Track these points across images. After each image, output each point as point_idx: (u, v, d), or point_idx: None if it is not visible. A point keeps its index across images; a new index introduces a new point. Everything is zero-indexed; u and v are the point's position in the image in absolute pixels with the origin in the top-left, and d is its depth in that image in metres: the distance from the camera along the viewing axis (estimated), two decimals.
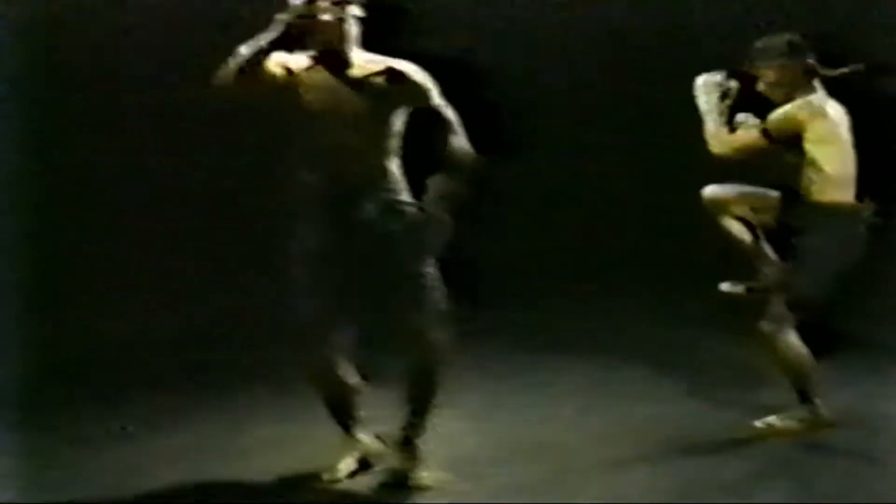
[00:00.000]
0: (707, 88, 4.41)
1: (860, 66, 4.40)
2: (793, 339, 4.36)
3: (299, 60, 3.67)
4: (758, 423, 4.41)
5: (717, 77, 4.44)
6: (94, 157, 6.23)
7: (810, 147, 4.25)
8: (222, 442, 4.48)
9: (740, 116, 4.44)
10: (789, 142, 4.29)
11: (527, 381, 5.21)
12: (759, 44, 4.40)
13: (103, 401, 5.09)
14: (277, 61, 3.59)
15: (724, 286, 4.62)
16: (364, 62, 3.69)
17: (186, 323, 6.01)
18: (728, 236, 4.61)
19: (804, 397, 4.40)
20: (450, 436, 4.24)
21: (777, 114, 4.30)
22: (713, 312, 5.51)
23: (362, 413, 3.94)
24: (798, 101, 4.29)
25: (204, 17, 6.06)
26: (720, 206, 4.57)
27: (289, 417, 4.57)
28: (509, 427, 4.57)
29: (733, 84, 4.43)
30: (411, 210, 3.73)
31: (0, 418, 4.84)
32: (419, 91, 3.69)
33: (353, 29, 3.65)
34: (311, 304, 3.69)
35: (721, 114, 4.40)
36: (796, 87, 4.33)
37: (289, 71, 3.63)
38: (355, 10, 3.65)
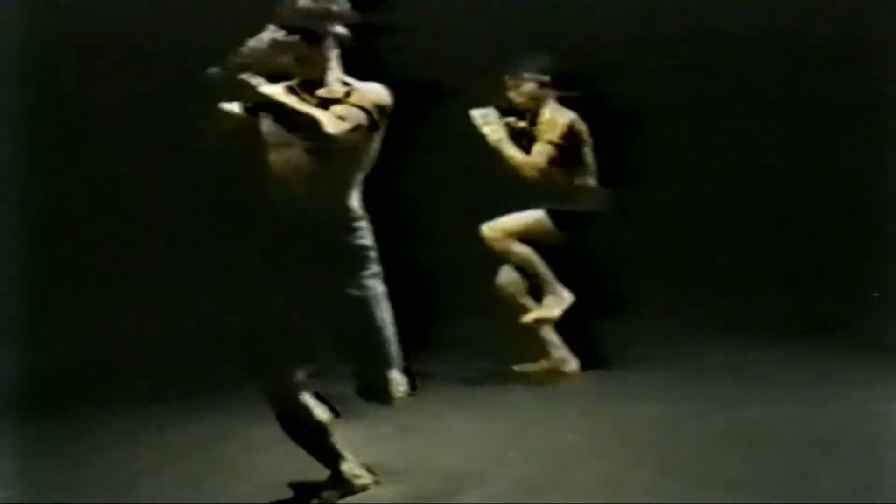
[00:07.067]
0: (488, 120, 5.21)
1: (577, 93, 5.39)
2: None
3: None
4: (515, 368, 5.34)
5: (489, 111, 5.23)
6: (94, 158, 6.22)
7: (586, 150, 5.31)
8: (223, 441, 4.47)
9: (480, 112, 5.22)
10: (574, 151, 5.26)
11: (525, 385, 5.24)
12: (518, 61, 5.29)
13: (103, 401, 5.09)
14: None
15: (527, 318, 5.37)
16: (333, 87, 3.50)
17: (187, 322, 6.01)
18: (519, 262, 5.30)
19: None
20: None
21: (553, 128, 5.22)
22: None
23: (340, 445, 3.80)
24: (563, 112, 5.26)
25: (205, 15, 6.04)
26: (501, 237, 5.29)
27: None
28: (513, 427, 4.59)
29: (510, 119, 5.30)
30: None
31: (0, 418, 4.84)
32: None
33: (333, 52, 3.51)
34: (273, 340, 3.61)
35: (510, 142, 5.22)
36: (540, 98, 5.27)
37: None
38: (338, 29, 3.51)
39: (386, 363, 3.59)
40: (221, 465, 4.19)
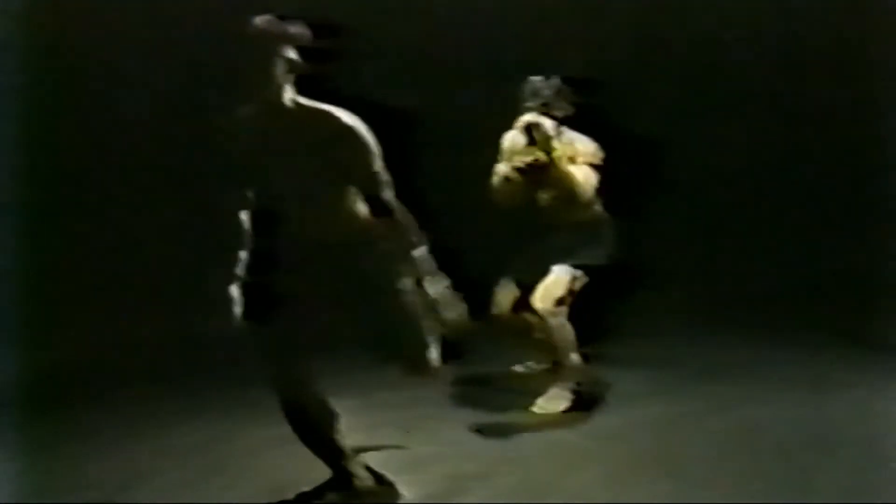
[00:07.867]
0: (545, 132, 4.76)
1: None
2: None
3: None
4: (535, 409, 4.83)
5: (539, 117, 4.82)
6: (93, 159, 6.22)
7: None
8: (223, 443, 4.48)
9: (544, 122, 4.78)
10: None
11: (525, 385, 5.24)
12: (531, 84, 4.89)
13: (103, 401, 5.09)
14: None
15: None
16: (300, 109, 3.48)
17: (186, 323, 6.01)
18: (559, 345, 4.86)
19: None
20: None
21: (589, 152, 4.86)
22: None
23: (347, 442, 3.78)
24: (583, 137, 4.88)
25: (204, 16, 6.04)
26: (554, 309, 4.82)
27: None
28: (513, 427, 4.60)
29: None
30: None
31: (0, 418, 4.84)
32: (358, 154, 3.48)
33: (288, 75, 3.45)
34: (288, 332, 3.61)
35: None
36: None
37: None
38: (290, 54, 3.45)
39: (425, 344, 3.62)
40: (221, 467, 4.19)
